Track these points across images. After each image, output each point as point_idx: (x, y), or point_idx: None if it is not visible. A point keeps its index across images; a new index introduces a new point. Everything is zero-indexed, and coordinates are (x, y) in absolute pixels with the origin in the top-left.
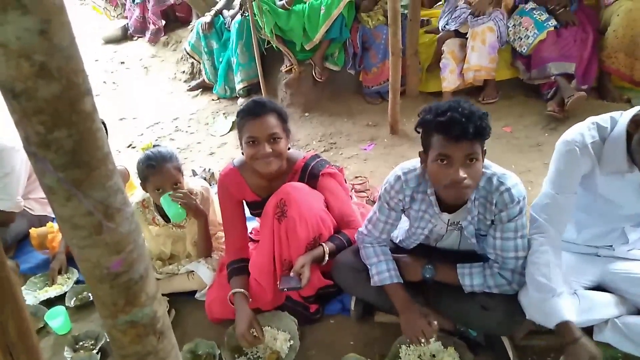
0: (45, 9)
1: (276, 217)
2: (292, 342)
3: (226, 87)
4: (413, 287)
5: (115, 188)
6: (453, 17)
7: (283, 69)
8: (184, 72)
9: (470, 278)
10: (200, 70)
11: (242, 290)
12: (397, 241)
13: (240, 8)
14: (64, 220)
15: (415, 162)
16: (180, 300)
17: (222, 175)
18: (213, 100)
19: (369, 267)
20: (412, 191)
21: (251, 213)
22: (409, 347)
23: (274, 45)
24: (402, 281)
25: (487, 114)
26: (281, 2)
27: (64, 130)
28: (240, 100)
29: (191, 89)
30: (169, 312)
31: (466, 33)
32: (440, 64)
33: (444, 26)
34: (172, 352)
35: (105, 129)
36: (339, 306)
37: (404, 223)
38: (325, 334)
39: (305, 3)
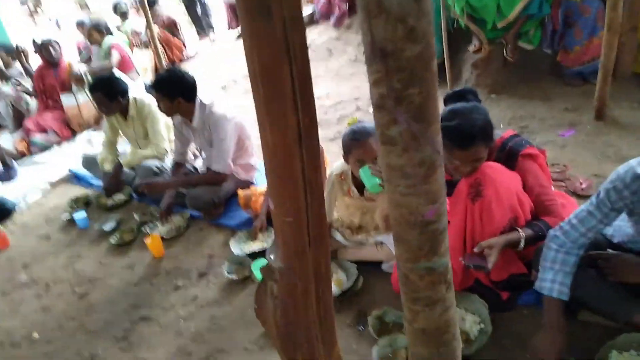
0: None
1: (470, 197)
2: (482, 325)
3: None
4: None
5: (439, 145)
6: None
7: (471, 48)
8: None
9: None
10: None
11: None
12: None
13: None
14: (395, 169)
15: None
16: (367, 269)
17: None
18: None
19: (540, 267)
20: None
21: None
22: (621, 353)
23: (461, 24)
24: (564, 299)
25: None
26: None
27: (416, 88)
28: None
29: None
30: (357, 279)
31: None
32: None
33: None
34: (453, 305)
35: None
36: (534, 297)
37: (621, 221)
38: (520, 326)
39: None
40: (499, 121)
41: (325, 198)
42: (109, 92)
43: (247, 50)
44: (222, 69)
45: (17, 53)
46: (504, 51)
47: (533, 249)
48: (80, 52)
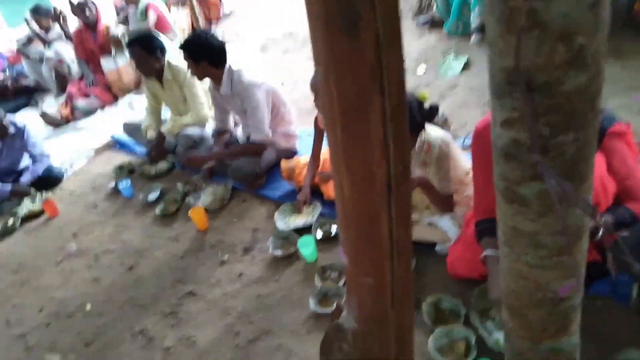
0: None
1: None
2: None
3: (459, 23)
4: None
5: (589, 206)
6: None
7: None
8: (411, 7)
9: None
10: (429, 5)
11: (497, 253)
12: None
13: None
14: (524, 235)
15: None
16: (418, 250)
17: (482, 128)
18: (443, 37)
19: None
20: None
21: None
22: None
23: None
24: None
25: None
26: None
27: (572, 134)
28: (474, 38)
29: (420, 25)
30: None
31: None
32: None
33: None
34: None
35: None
36: (608, 288)
37: None
38: (591, 317)
39: None
40: None
41: None
42: (147, 47)
43: (323, 75)
44: (260, 28)
45: (55, 16)
46: None
47: (611, 238)
48: (117, 13)
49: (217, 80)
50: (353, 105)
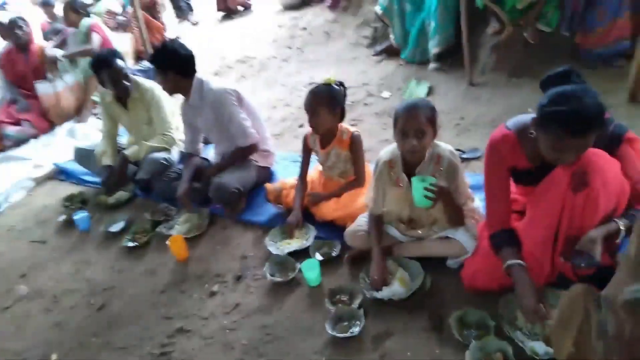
0: None
1: (571, 187)
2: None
3: (416, 51)
4: None
5: None
6: None
7: (490, 30)
8: (365, 36)
9: None
10: (382, 35)
11: (522, 262)
12: None
13: None
14: None
15: None
16: (428, 266)
17: (496, 140)
18: (400, 64)
19: None
20: None
21: (516, 182)
22: None
23: (480, 5)
24: None
25: None
26: None
27: None
28: (432, 65)
29: (376, 54)
30: (424, 279)
31: None
32: None
33: None
34: None
35: (345, 92)
36: None
37: None
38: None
39: None
40: (528, 105)
41: (372, 186)
42: (116, 66)
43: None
44: (210, 53)
45: None
46: (525, 33)
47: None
48: (45, 35)
49: (185, 92)
50: None
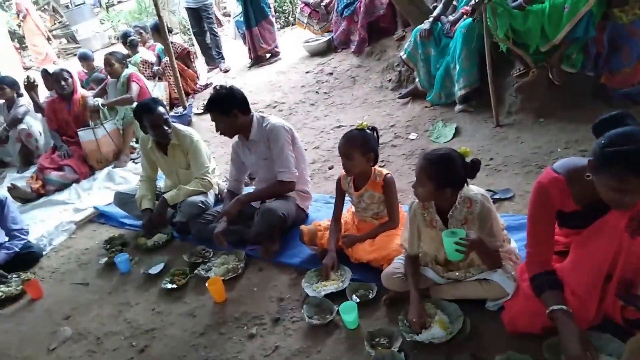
0: None
1: (629, 230)
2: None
3: (442, 93)
4: None
5: None
6: None
7: (515, 73)
8: (390, 80)
9: None
10: (407, 78)
11: (566, 307)
12: None
13: (472, 13)
14: None
15: None
16: (467, 309)
17: (545, 183)
18: (426, 107)
19: None
20: None
21: (561, 225)
22: None
23: (503, 49)
24: None
25: None
26: (516, 3)
27: None
28: (458, 107)
29: (402, 97)
30: (464, 322)
31: None
32: None
33: None
34: None
35: (378, 136)
36: None
37: None
38: None
39: (544, 2)
40: (556, 146)
41: (406, 227)
42: (158, 113)
43: None
44: None
45: (28, 85)
46: (550, 75)
47: None
48: (83, 84)
49: (246, 130)
50: None
